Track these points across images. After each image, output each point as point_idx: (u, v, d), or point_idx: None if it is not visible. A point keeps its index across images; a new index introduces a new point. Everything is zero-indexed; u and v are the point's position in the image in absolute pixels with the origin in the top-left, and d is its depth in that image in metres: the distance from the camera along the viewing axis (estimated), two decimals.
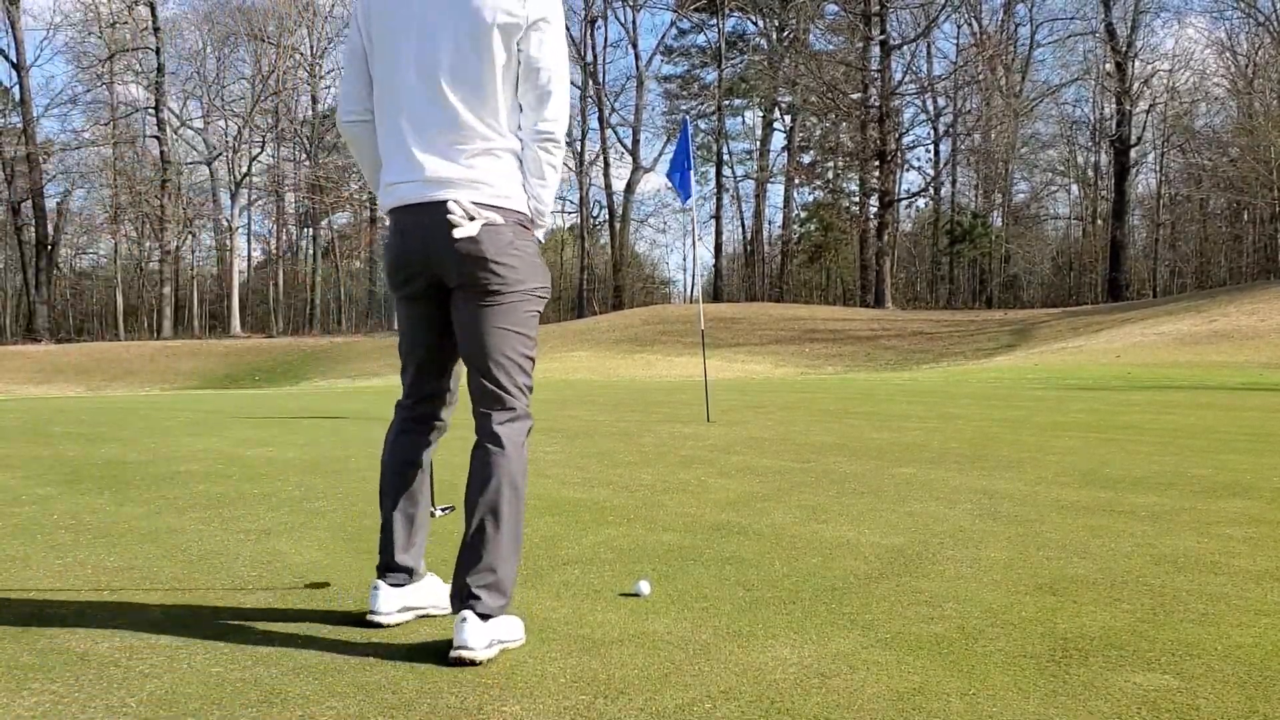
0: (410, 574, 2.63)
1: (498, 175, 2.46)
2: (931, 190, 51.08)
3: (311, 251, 57.35)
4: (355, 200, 51.92)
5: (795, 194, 53.14)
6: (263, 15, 50.07)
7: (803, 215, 55.41)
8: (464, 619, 2.30)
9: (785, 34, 48.96)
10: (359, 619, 2.69)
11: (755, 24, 51.98)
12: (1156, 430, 7.35)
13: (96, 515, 4.26)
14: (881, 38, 44.60)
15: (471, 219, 2.39)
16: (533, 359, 2.53)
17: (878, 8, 43.71)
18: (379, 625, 2.58)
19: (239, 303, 49.80)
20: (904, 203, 50.76)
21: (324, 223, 56.00)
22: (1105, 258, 46.63)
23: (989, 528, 3.80)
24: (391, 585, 2.60)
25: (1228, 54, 46.97)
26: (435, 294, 2.52)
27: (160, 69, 48.53)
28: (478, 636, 2.29)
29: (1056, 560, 3.26)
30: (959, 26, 50.81)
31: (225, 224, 52.98)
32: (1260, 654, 2.33)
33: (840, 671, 2.24)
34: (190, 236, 54.90)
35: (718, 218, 52.86)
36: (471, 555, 2.37)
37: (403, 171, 2.47)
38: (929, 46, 48.35)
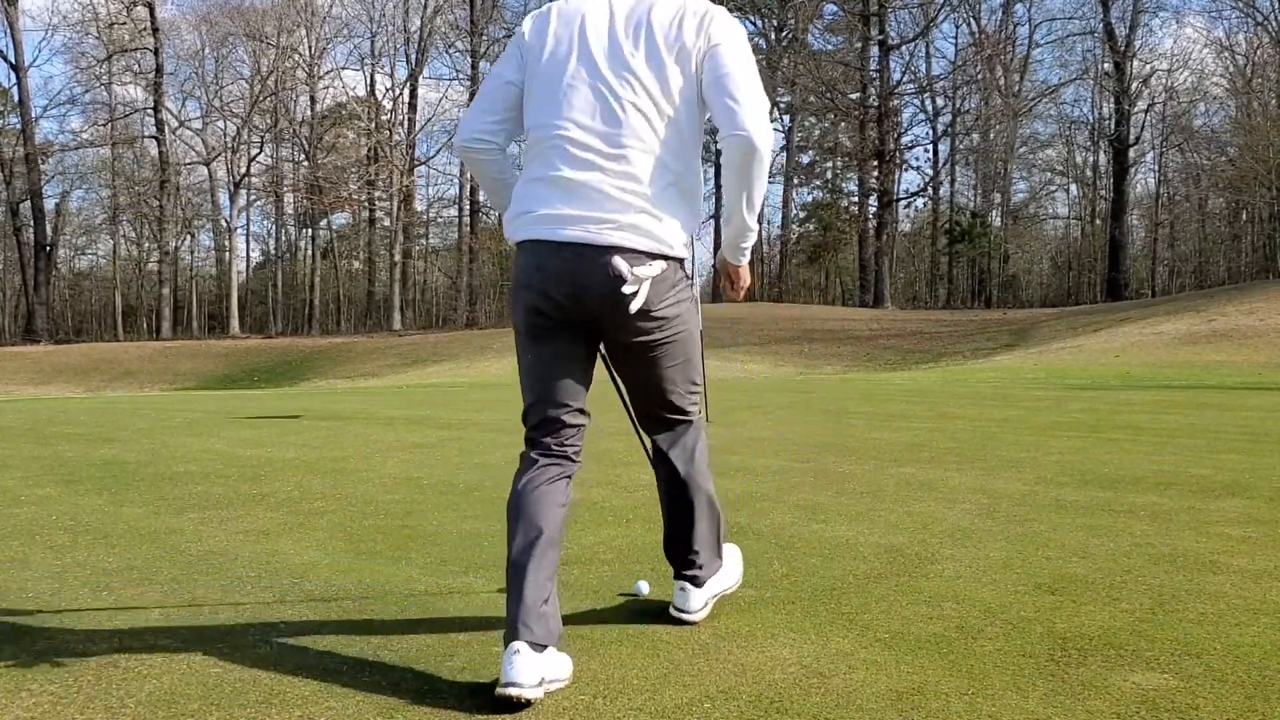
0: (554, 633, 2.18)
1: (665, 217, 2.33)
2: (930, 190, 51.09)
3: (310, 252, 57.31)
4: (354, 200, 51.92)
5: (794, 194, 53.18)
6: (261, 16, 50.05)
7: (802, 215, 55.43)
8: (683, 588, 2.59)
9: (784, 34, 48.98)
10: (358, 619, 2.68)
11: (753, 24, 51.95)
12: (1155, 430, 7.35)
13: (95, 516, 4.26)
14: (880, 37, 44.63)
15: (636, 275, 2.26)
16: (700, 380, 2.54)
17: (876, 7, 43.72)
18: (519, 703, 2.02)
19: (238, 303, 49.76)
20: (903, 202, 50.78)
21: (323, 223, 55.98)
22: (1104, 257, 46.65)
23: (988, 527, 3.80)
24: (534, 648, 2.09)
25: (1226, 53, 47.03)
26: (576, 331, 2.35)
27: (159, 69, 48.50)
28: (697, 601, 2.59)
29: (1055, 560, 3.26)
30: (958, 26, 50.90)
31: (224, 224, 52.94)
32: (1260, 653, 2.33)
33: (839, 671, 2.24)
34: (189, 237, 54.88)
35: (717, 217, 52.74)
36: (681, 539, 2.59)
37: (552, 200, 2.30)
38: (928, 46, 48.40)
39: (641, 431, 2.63)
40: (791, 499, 4.49)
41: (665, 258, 2.29)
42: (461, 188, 53.61)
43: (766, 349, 28.89)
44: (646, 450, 2.62)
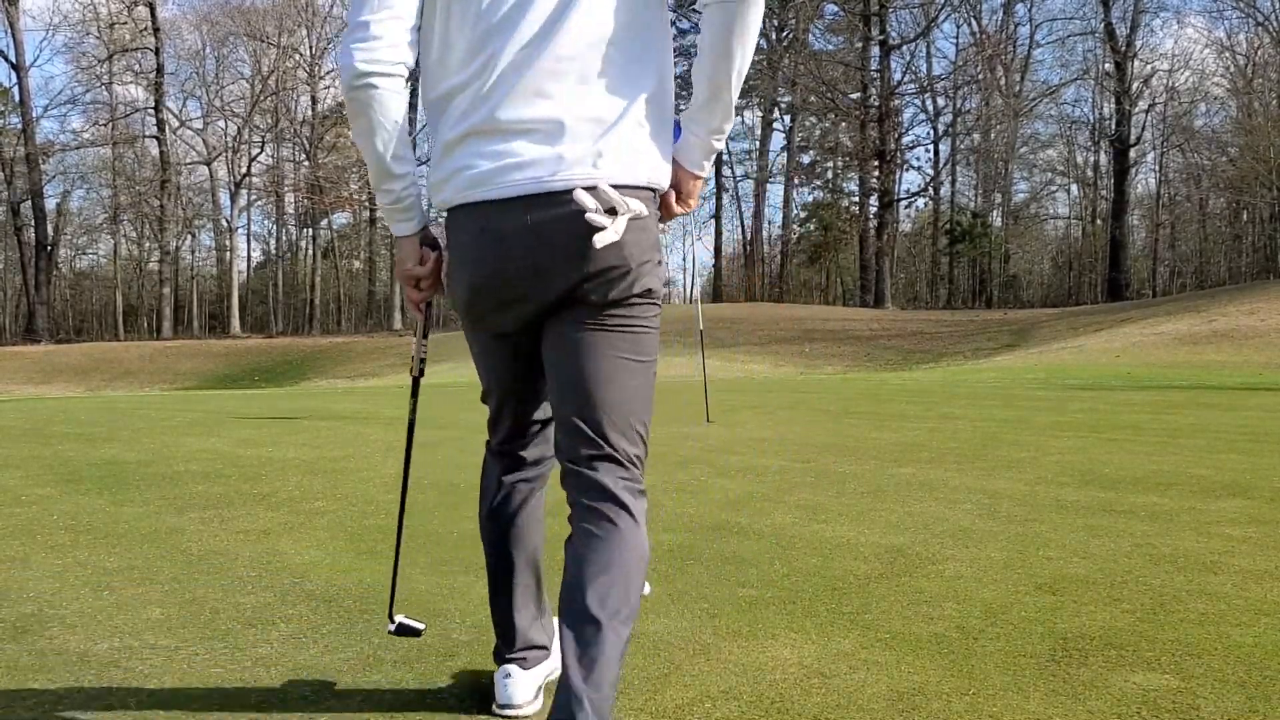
0: (545, 648, 2.13)
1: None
2: (931, 190, 51.10)
3: (311, 252, 57.34)
4: (355, 200, 51.94)
5: (795, 194, 53.17)
6: (262, 15, 50.08)
7: (802, 215, 55.43)
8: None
9: (785, 34, 48.97)
10: (358, 619, 2.68)
11: None
12: (1156, 430, 7.35)
13: (96, 515, 4.26)
14: (881, 37, 44.64)
15: (612, 213, 1.69)
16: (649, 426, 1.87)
17: (877, 7, 43.73)
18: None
19: (238, 303, 49.78)
20: (904, 202, 50.78)
21: (323, 223, 56.02)
22: (1105, 257, 46.65)
23: (989, 527, 3.80)
24: (525, 668, 2.07)
25: (1227, 54, 47.05)
26: (533, 323, 1.84)
27: (159, 69, 48.52)
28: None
29: (1056, 560, 3.26)
30: (958, 26, 50.95)
31: (225, 224, 53.00)
32: (1260, 654, 2.33)
33: (840, 671, 2.23)
34: (190, 237, 54.94)
35: (717, 218, 52.88)
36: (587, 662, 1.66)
37: (483, 149, 1.75)
38: (928, 46, 48.42)
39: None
40: (792, 499, 4.49)
41: (649, 190, 1.77)
42: None
43: (766, 349, 28.89)
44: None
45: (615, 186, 1.70)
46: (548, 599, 2.15)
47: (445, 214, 1.85)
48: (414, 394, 2.14)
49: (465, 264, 1.80)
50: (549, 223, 1.71)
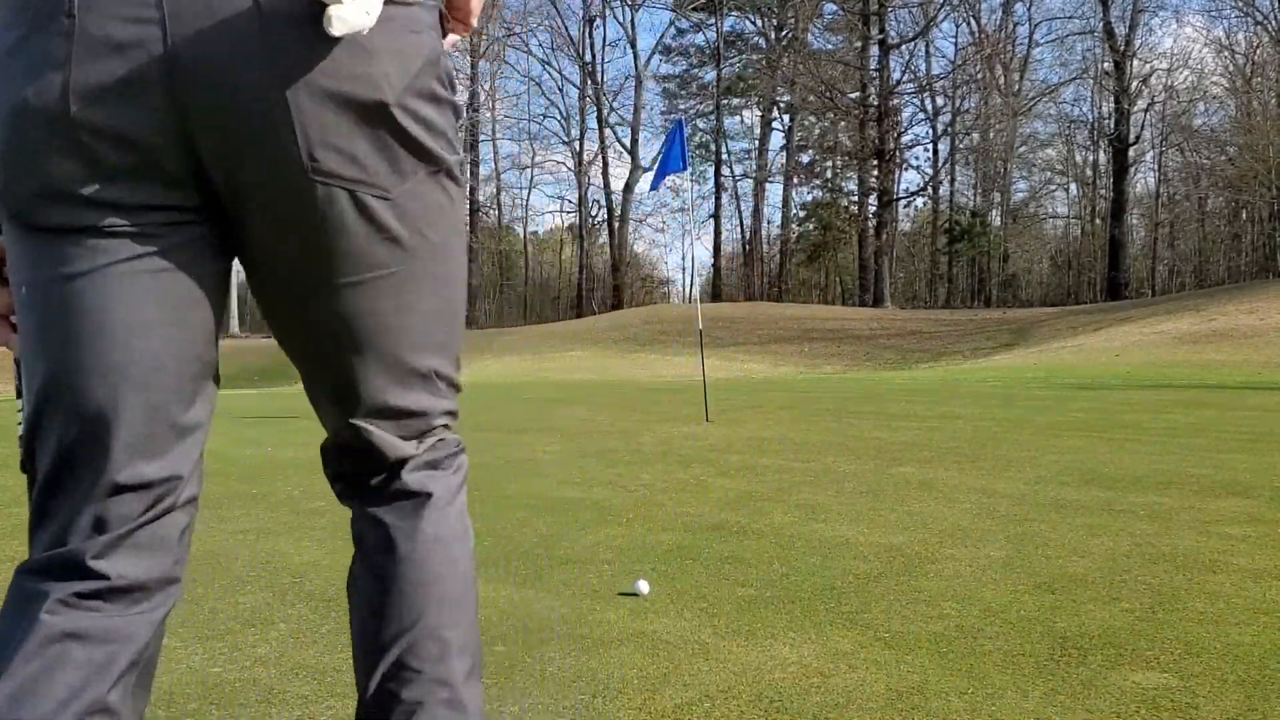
0: None
1: None
2: (930, 189, 51.11)
3: None
4: None
5: (794, 193, 53.21)
6: None
7: (801, 215, 55.45)
8: None
9: (784, 33, 49.01)
10: None
11: (753, 23, 52.02)
12: (1155, 429, 7.35)
13: None
14: (880, 37, 44.66)
15: None
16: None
17: (876, 7, 43.75)
18: None
19: (237, 302, 49.81)
20: (903, 202, 50.80)
21: None
22: (1104, 257, 46.67)
23: (988, 527, 3.80)
24: None
25: (1226, 53, 47.08)
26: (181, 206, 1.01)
27: None
28: None
29: (1056, 559, 3.26)
30: (958, 25, 50.92)
31: None
32: (1260, 653, 2.33)
33: (840, 670, 2.24)
34: None
35: (716, 217, 52.86)
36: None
37: None
38: (928, 46, 48.43)
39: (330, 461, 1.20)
40: (791, 498, 4.49)
41: None
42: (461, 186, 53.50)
43: (766, 349, 28.89)
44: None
45: None
46: None
47: None
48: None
49: (17, 65, 0.92)
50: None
